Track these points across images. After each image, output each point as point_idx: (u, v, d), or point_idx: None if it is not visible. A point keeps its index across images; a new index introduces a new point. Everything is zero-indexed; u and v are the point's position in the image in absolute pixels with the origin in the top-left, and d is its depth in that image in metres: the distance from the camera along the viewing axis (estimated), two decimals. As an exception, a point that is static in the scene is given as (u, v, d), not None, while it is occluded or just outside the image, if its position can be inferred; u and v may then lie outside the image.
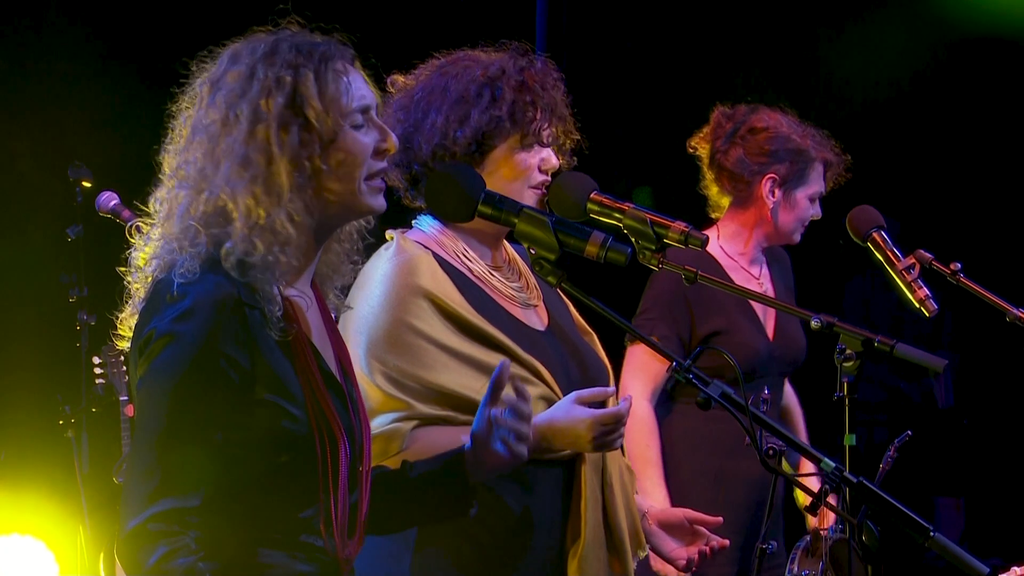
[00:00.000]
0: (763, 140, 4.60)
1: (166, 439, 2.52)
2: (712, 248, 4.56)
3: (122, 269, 2.69)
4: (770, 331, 4.65)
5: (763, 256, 4.74)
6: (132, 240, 2.70)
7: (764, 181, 4.59)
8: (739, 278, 4.59)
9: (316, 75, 2.63)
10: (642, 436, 4.46)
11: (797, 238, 4.68)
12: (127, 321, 2.68)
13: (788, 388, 4.86)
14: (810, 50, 7.32)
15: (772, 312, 4.67)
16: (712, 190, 4.70)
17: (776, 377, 4.64)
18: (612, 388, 3.30)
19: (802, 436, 4.88)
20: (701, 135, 4.69)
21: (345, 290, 2.87)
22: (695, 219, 4.71)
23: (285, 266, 2.62)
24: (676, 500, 3.86)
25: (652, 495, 4.32)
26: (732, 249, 4.62)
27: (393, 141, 2.71)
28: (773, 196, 4.59)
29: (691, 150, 4.71)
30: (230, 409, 2.56)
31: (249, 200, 2.59)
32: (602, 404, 3.25)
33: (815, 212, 4.66)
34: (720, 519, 3.58)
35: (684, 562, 3.51)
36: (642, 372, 4.50)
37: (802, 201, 4.62)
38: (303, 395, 2.62)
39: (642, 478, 4.31)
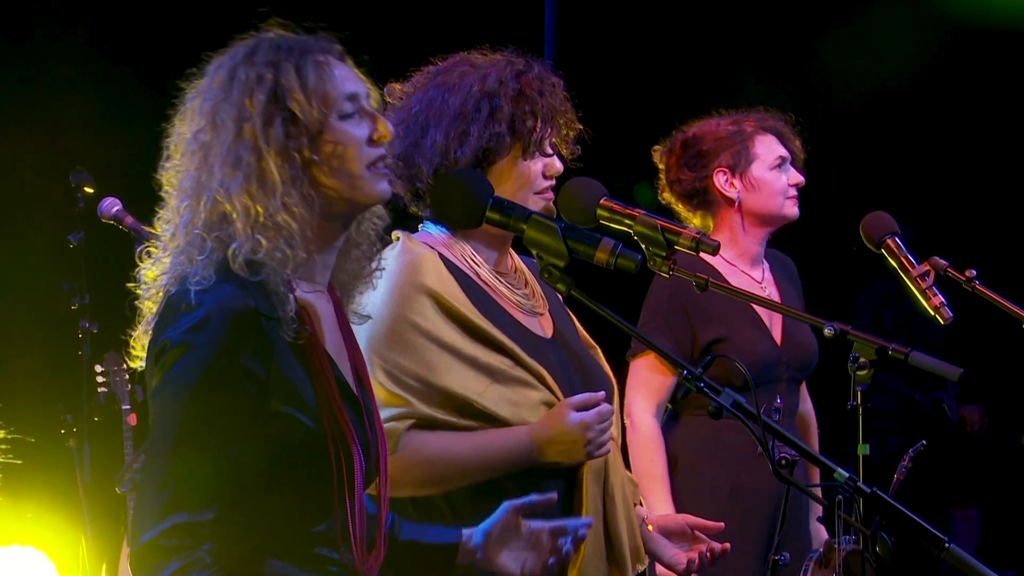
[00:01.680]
0: (698, 147, 4.59)
1: (179, 451, 2.51)
2: (709, 257, 4.50)
3: (131, 285, 2.68)
4: (777, 336, 4.59)
5: (765, 259, 4.68)
6: (140, 264, 2.67)
7: (715, 178, 4.56)
8: (741, 283, 4.54)
9: (296, 68, 2.62)
10: (647, 452, 4.43)
11: (790, 210, 4.60)
12: (140, 340, 2.66)
13: (805, 396, 4.79)
14: (813, 51, 7.30)
15: (779, 317, 4.61)
16: (691, 218, 4.65)
17: (788, 383, 4.58)
18: (603, 393, 3.27)
19: (813, 446, 4.81)
20: (661, 185, 4.66)
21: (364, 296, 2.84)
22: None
23: (294, 261, 2.59)
24: (690, 512, 3.81)
25: (658, 511, 4.29)
26: (729, 254, 4.57)
27: (387, 128, 2.68)
28: (732, 187, 4.55)
29: (664, 202, 4.67)
30: (245, 420, 2.54)
31: (245, 198, 2.58)
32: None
33: (793, 179, 4.59)
34: (722, 525, 3.55)
35: (685, 566, 3.47)
36: (645, 387, 4.47)
37: (764, 175, 4.56)
38: (317, 404, 2.59)
39: (648, 494, 4.29)
